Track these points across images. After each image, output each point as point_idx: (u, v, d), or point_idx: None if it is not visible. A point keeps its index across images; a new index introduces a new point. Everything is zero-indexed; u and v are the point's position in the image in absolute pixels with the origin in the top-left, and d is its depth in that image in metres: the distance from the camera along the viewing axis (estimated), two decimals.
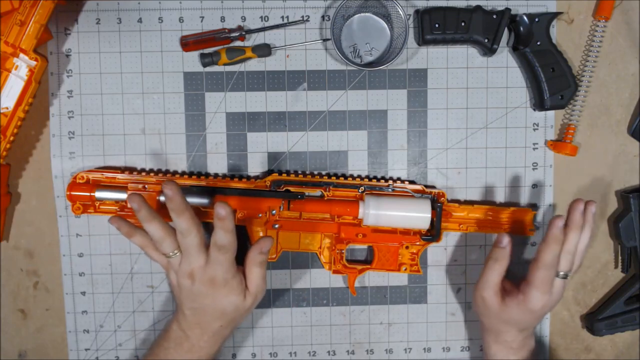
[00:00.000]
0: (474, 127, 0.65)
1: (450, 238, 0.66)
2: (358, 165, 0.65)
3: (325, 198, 0.63)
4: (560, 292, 0.57)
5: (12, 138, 0.59)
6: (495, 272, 0.58)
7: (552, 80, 0.62)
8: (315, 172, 0.65)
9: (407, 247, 0.63)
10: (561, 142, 0.65)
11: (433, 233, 0.62)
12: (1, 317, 0.66)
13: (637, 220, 0.64)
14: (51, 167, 0.64)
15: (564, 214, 0.61)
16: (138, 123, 0.64)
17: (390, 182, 0.64)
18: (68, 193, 0.61)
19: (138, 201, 0.54)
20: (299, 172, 0.65)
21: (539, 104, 0.63)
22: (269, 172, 0.64)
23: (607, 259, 0.68)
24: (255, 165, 0.65)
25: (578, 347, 0.69)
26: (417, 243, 0.63)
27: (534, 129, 0.66)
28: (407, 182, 0.64)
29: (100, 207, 0.62)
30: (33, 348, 0.67)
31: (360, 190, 0.63)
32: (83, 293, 0.66)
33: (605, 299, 0.68)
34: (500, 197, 0.66)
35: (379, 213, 0.60)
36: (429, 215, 0.61)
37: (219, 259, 0.55)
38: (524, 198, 0.66)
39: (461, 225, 0.64)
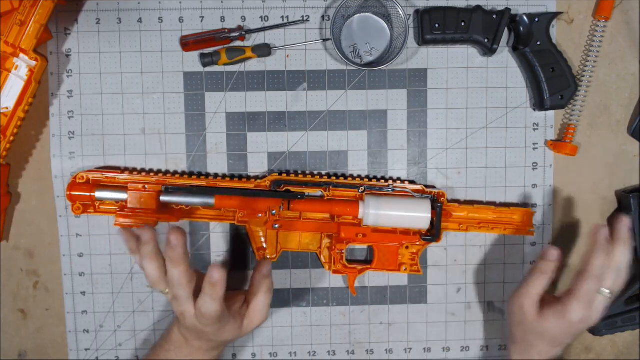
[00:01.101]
0: (474, 127, 0.65)
1: (450, 238, 0.66)
2: (358, 165, 0.65)
3: (325, 198, 0.63)
4: (599, 310, 0.55)
5: (12, 138, 0.59)
6: (539, 284, 0.57)
7: (552, 80, 0.62)
8: (315, 172, 0.64)
9: (407, 247, 0.63)
10: (561, 142, 0.65)
11: (433, 233, 0.62)
12: (1, 317, 0.66)
13: (637, 220, 0.64)
14: (51, 167, 0.64)
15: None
16: (138, 123, 0.64)
17: (390, 182, 0.64)
18: (68, 193, 0.61)
19: (148, 238, 0.53)
20: (299, 172, 0.65)
21: (539, 104, 0.63)
22: (269, 172, 0.64)
23: None
24: (256, 165, 0.65)
25: (578, 347, 0.69)
26: (417, 243, 0.63)
27: (534, 129, 0.66)
28: (407, 182, 0.64)
29: (100, 207, 0.62)
30: (33, 348, 0.67)
31: (360, 190, 0.63)
32: (83, 293, 0.66)
33: None
34: (500, 197, 0.66)
35: (379, 213, 0.60)
36: (429, 215, 0.61)
37: (205, 323, 0.53)
38: (524, 198, 0.66)
39: (461, 225, 0.64)
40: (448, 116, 0.65)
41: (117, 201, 0.61)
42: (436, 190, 0.63)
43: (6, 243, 0.65)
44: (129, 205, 0.60)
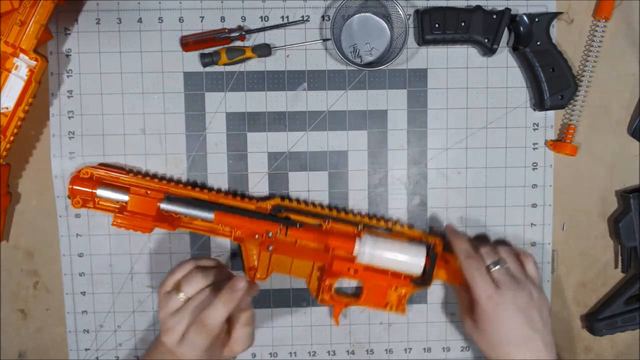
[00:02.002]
0: (474, 127, 0.65)
1: None
2: (358, 165, 0.65)
3: (324, 229, 0.62)
4: (510, 285, 0.55)
5: (12, 138, 0.59)
6: (460, 297, 0.62)
7: (552, 80, 0.62)
8: (317, 203, 0.64)
9: (396, 289, 0.62)
10: (561, 142, 0.65)
11: (424, 279, 0.61)
12: (1, 317, 0.66)
13: (637, 220, 0.64)
14: (51, 167, 0.64)
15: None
16: (138, 123, 0.64)
17: (390, 224, 0.63)
18: (70, 187, 0.60)
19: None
20: (301, 199, 0.64)
21: (539, 104, 0.63)
22: (271, 195, 0.64)
23: (607, 259, 0.68)
24: (256, 165, 0.65)
25: (578, 347, 0.69)
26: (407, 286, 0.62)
27: (534, 129, 0.66)
28: (406, 227, 0.64)
29: (100, 202, 0.62)
30: (33, 348, 0.67)
31: (359, 227, 0.62)
32: (83, 293, 0.66)
33: (605, 299, 0.68)
34: (500, 197, 0.66)
35: (374, 253, 0.60)
36: (422, 264, 0.60)
37: (195, 342, 0.50)
38: (524, 198, 0.66)
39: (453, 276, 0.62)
40: (448, 116, 0.65)
41: (117, 202, 0.61)
42: (434, 239, 0.62)
43: (6, 243, 0.65)
44: (129, 208, 0.60)
